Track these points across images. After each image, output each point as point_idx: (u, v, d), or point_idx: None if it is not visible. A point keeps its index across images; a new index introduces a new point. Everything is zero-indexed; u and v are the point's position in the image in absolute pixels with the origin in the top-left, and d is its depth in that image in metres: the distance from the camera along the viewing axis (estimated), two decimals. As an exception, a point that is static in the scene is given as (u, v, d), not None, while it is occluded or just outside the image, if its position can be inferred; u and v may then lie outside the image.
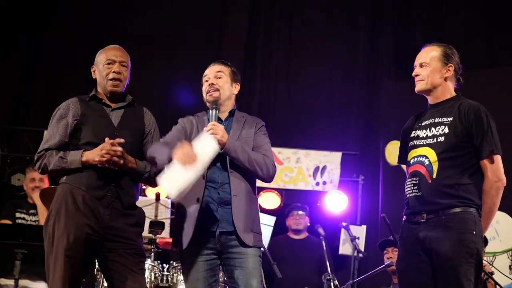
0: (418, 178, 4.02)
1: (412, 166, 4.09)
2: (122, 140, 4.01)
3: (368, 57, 9.10)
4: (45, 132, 4.26)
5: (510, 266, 6.64)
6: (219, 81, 4.40)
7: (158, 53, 8.73)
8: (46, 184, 7.03)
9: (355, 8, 9.22)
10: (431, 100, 4.15)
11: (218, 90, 4.37)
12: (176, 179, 3.90)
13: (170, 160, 3.96)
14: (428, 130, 4.07)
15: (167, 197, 6.64)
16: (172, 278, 5.68)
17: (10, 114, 8.65)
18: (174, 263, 5.72)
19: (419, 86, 4.12)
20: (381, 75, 8.95)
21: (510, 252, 6.67)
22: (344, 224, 7.33)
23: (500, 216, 6.64)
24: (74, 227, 3.94)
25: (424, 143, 4.05)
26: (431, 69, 4.08)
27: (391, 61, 9.02)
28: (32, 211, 6.92)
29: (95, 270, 5.73)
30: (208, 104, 4.36)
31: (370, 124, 8.80)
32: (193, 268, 4.12)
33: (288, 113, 8.56)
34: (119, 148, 3.99)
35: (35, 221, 6.87)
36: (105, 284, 5.46)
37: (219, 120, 4.31)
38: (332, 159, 8.46)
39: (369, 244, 7.34)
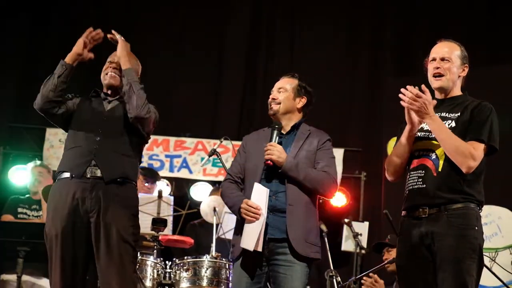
0: (423, 171, 3.98)
1: (417, 159, 4.05)
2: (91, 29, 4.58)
3: (371, 54, 9.09)
4: None
5: (512, 262, 6.64)
6: (279, 95, 4.50)
7: (158, 52, 8.74)
8: (49, 180, 7.06)
9: (357, 4, 9.21)
10: (440, 95, 4.12)
11: (279, 104, 4.47)
12: (250, 234, 4.16)
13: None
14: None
15: (169, 194, 6.64)
16: (175, 275, 5.68)
17: (12, 112, 8.66)
18: (177, 260, 5.72)
19: (440, 83, 4.07)
20: (384, 71, 8.95)
21: (512, 248, 6.66)
22: (346, 220, 7.33)
23: (502, 212, 6.64)
24: (59, 221, 4.11)
25: (430, 136, 4.02)
26: (453, 65, 4.08)
27: (394, 58, 9.01)
28: (34, 206, 6.94)
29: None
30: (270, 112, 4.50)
31: (372, 120, 8.79)
32: (239, 272, 4.26)
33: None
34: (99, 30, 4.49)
35: (37, 216, 6.89)
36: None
37: (281, 134, 4.41)
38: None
39: (372, 241, 7.33)
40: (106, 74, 4.54)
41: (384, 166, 4.25)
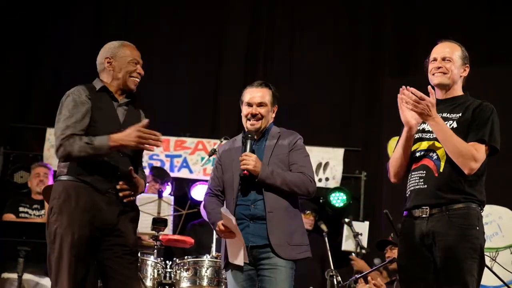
0: (425, 172, 3.99)
1: (418, 160, 4.05)
2: (147, 120, 4.03)
3: (370, 53, 9.09)
4: (62, 116, 4.06)
5: (513, 262, 6.63)
6: (261, 110, 4.46)
7: (158, 52, 8.74)
8: (50, 180, 7.06)
9: (357, 5, 9.21)
10: (441, 95, 4.12)
11: (260, 119, 4.45)
12: (235, 251, 4.27)
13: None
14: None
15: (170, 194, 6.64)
16: (175, 275, 5.69)
17: (13, 111, 8.66)
18: (177, 260, 5.73)
19: (440, 79, 4.08)
20: (383, 71, 8.95)
21: (513, 247, 6.66)
22: (346, 220, 7.33)
23: (503, 212, 6.64)
24: (78, 225, 3.91)
25: (431, 137, 4.03)
26: (454, 65, 4.09)
27: (393, 57, 9.01)
28: (35, 206, 6.96)
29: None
30: (247, 125, 4.46)
31: (373, 120, 8.79)
32: (233, 278, 4.35)
33: (290, 109, 8.56)
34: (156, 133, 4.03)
35: (38, 215, 6.90)
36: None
37: (253, 140, 4.42)
38: (334, 156, 8.46)
39: (372, 240, 7.34)
40: (131, 77, 4.22)
41: (386, 167, 4.25)
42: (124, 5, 9.14)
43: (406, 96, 3.92)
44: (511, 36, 8.39)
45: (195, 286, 5.64)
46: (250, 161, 4.26)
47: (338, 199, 8.24)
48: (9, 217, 6.82)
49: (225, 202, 4.47)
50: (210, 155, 5.92)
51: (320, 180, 8.34)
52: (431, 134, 4.03)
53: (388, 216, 5.92)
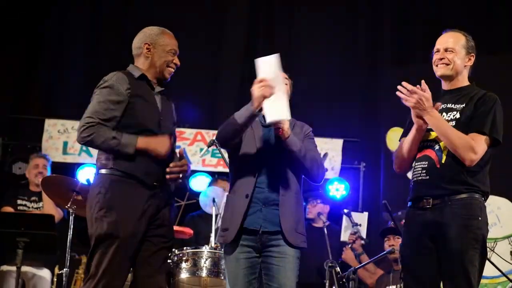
0: (427, 163, 4.00)
1: (421, 150, 4.06)
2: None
3: (368, 44, 9.08)
4: (95, 101, 3.97)
5: (511, 252, 6.64)
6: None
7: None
8: (49, 171, 7.05)
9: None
10: (447, 85, 4.13)
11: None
12: (277, 107, 4.02)
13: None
14: (444, 114, 4.04)
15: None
16: (174, 266, 5.68)
17: (11, 102, 8.65)
18: (176, 251, 5.73)
19: (443, 71, 4.08)
20: (382, 61, 8.94)
21: (511, 237, 6.66)
22: (345, 211, 7.33)
23: (501, 202, 6.64)
24: (129, 222, 3.87)
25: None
26: (457, 55, 4.08)
27: (392, 48, 9.00)
28: (33, 198, 6.94)
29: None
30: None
31: (371, 111, 8.79)
32: (234, 264, 4.24)
33: (289, 100, 8.56)
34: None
35: (37, 207, 6.89)
36: (182, 276, 5.52)
37: (267, 125, 4.33)
38: (333, 146, 8.46)
39: (371, 231, 7.34)
40: (168, 66, 4.20)
41: (392, 158, 4.26)
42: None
43: (400, 91, 3.94)
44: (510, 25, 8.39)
45: (194, 277, 5.64)
46: (286, 122, 4.16)
47: (337, 190, 8.24)
48: (7, 209, 6.80)
49: (234, 176, 4.36)
50: (209, 146, 5.90)
51: (319, 170, 8.34)
52: None
53: (387, 207, 5.93)
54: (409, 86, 3.90)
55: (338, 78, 9.01)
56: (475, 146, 3.88)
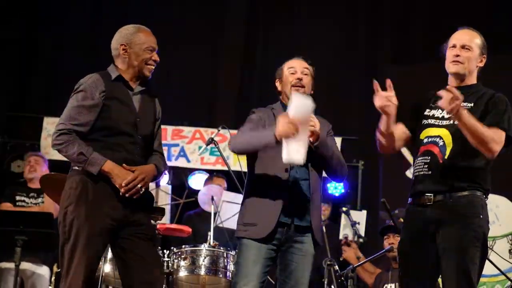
0: (429, 158, 3.96)
1: (424, 146, 4.03)
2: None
3: (368, 42, 9.08)
4: (69, 105, 4.04)
5: (510, 250, 6.64)
6: (305, 78, 4.38)
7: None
8: (44, 168, 7.06)
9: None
10: (455, 82, 4.05)
11: (303, 87, 4.34)
12: (295, 149, 3.94)
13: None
14: (440, 110, 4.01)
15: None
16: (172, 264, 5.68)
17: (10, 100, 8.64)
18: (175, 249, 5.73)
19: (458, 68, 4.02)
20: (381, 59, 8.94)
21: (510, 236, 6.67)
22: (344, 209, 7.34)
23: (500, 201, 6.64)
24: (96, 217, 3.85)
25: (440, 123, 4.00)
26: (473, 54, 4.03)
27: (391, 45, 9.00)
28: (32, 194, 6.96)
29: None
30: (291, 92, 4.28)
31: (370, 109, 8.75)
32: (256, 252, 4.13)
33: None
34: (140, 185, 3.93)
35: (36, 203, 6.90)
36: (106, 270, 5.49)
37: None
38: (331, 144, 8.45)
39: (370, 229, 7.35)
40: (147, 64, 4.14)
41: (390, 156, 4.26)
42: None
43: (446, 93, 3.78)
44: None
45: (192, 275, 5.64)
46: (316, 122, 4.10)
47: (335, 188, 8.24)
48: (6, 206, 6.82)
49: (261, 168, 4.24)
50: (207, 144, 5.90)
51: (317, 169, 8.35)
52: (440, 121, 4.01)
53: (386, 205, 5.93)
54: (455, 92, 3.74)
55: (337, 75, 9.00)
56: (496, 138, 3.84)
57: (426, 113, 4.11)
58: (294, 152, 3.96)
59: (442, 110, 3.98)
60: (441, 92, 3.82)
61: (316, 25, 9.02)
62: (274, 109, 4.37)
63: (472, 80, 4.09)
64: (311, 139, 4.07)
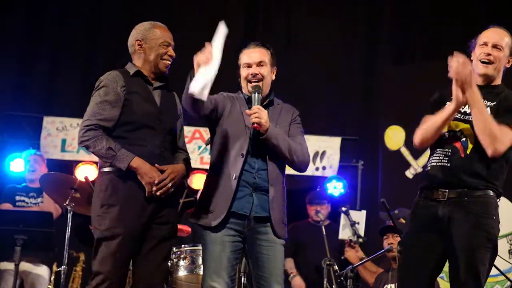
0: (451, 151, 3.89)
1: (447, 139, 3.94)
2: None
3: (368, 42, 9.07)
4: (92, 102, 4.02)
5: (509, 251, 6.65)
6: (261, 70, 4.34)
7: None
8: (42, 167, 7.06)
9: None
10: (481, 81, 3.97)
11: (261, 79, 4.31)
12: (199, 79, 3.94)
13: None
14: (468, 106, 3.89)
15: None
16: (172, 264, 5.68)
17: (9, 100, 8.63)
18: (174, 249, 5.72)
19: (487, 70, 3.94)
20: (381, 59, 8.93)
21: (509, 236, 6.67)
22: (344, 209, 7.33)
23: (500, 201, 6.64)
24: (129, 218, 3.90)
25: (463, 118, 3.92)
26: (503, 54, 3.96)
27: (391, 46, 9.00)
28: (32, 193, 6.97)
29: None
30: (248, 88, 4.30)
31: (370, 109, 8.78)
32: (219, 247, 4.07)
33: (287, 98, 8.54)
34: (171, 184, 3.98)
35: (35, 203, 6.90)
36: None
37: (259, 94, 4.24)
38: (331, 144, 8.46)
39: (369, 229, 7.35)
40: (162, 59, 4.20)
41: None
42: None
43: (453, 60, 3.73)
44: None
45: (192, 274, 5.63)
46: (263, 114, 4.07)
47: (335, 188, 8.23)
48: (6, 206, 6.82)
49: (218, 154, 4.20)
50: (207, 144, 5.89)
51: (317, 169, 8.35)
52: (466, 116, 3.92)
53: (385, 205, 5.92)
54: (461, 59, 3.72)
55: (336, 76, 9.00)
56: (503, 137, 3.77)
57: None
58: (195, 81, 3.93)
59: (466, 106, 3.90)
60: (450, 60, 3.73)
61: (316, 25, 9.01)
62: (236, 99, 4.37)
63: (498, 80, 4.02)
64: (259, 130, 4.05)
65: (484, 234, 3.79)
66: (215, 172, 4.19)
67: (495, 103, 3.91)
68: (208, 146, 6.40)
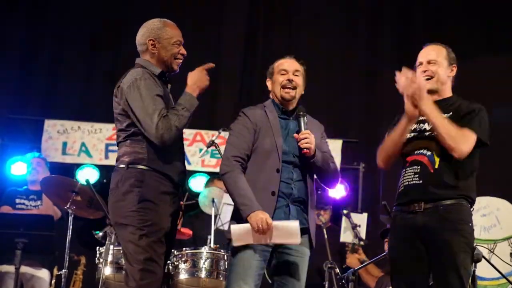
0: (419, 167, 4.02)
1: (412, 156, 4.08)
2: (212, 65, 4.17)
3: (368, 44, 9.07)
4: (145, 98, 3.90)
5: (511, 253, 6.64)
6: (297, 79, 4.34)
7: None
8: (44, 170, 7.06)
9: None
10: (433, 98, 4.11)
11: (295, 89, 4.32)
12: (244, 235, 3.98)
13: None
14: (427, 124, 4.07)
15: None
16: (173, 267, 5.68)
17: (11, 103, 8.63)
18: (175, 252, 5.72)
19: (430, 85, 4.08)
20: (382, 62, 8.93)
21: (511, 239, 6.66)
22: (345, 212, 7.33)
23: (500, 204, 6.64)
24: (167, 216, 3.91)
25: (423, 135, 4.07)
26: (440, 67, 4.13)
27: (392, 48, 8.99)
28: (32, 196, 6.97)
29: (96, 259, 5.73)
30: (281, 93, 4.29)
31: (371, 111, 8.78)
32: (249, 254, 4.05)
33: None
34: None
35: (35, 206, 6.89)
36: (106, 273, 5.49)
37: (286, 116, 4.28)
38: (332, 147, 8.38)
39: (370, 232, 7.34)
40: (176, 58, 4.19)
41: (378, 152, 4.28)
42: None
43: (401, 76, 3.98)
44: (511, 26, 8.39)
45: (193, 277, 5.64)
46: (312, 139, 4.11)
47: (336, 191, 8.22)
48: (6, 209, 6.81)
49: (250, 170, 4.17)
50: (208, 146, 5.91)
51: (318, 171, 8.33)
52: (423, 133, 4.07)
53: (387, 208, 5.92)
54: (409, 74, 3.94)
55: (337, 78, 8.99)
56: (465, 139, 3.90)
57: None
58: (241, 234, 3.99)
59: (424, 123, 4.08)
60: (397, 76, 3.98)
61: (316, 28, 9.01)
62: (266, 108, 4.35)
63: (447, 92, 4.17)
64: (307, 151, 4.10)
65: (463, 239, 3.90)
66: (252, 187, 4.11)
67: (451, 113, 4.04)
68: (209, 149, 6.43)
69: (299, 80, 4.35)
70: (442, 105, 4.07)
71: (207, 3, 9.12)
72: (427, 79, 4.10)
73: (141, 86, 3.92)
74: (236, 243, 4.03)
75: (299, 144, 4.12)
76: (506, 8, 8.49)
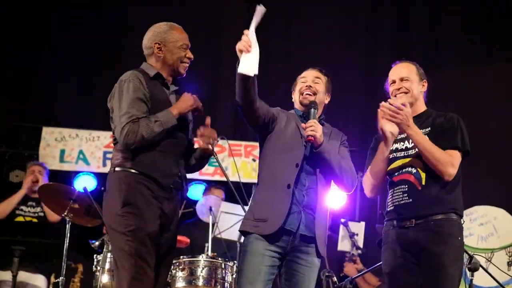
0: (407, 186, 4.12)
1: (397, 176, 4.18)
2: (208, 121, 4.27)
3: (367, 50, 9.09)
4: (123, 101, 3.91)
5: (508, 263, 6.64)
6: (316, 86, 4.43)
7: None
8: (45, 178, 7.05)
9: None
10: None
11: (315, 94, 4.39)
12: (248, 61, 4.06)
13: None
14: (407, 142, 4.20)
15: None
16: (170, 275, 5.66)
17: (9, 110, 8.64)
18: (173, 260, 5.71)
19: (405, 99, 4.20)
20: (381, 69, 8.93)
21: (508, 248, 6.66)
22: (343, 220, 7.32)
23: (498, 213, 6.64)
24: (150, 220, 3.87)
25: (406, 154, 4.19)
26: (413, 83, 4.27)
27: (391, 55, 9.01)
28: (30, 203, 6.95)
29: (93, 266, 5.72)
30: (301, 100, 4.40)
31: (369, 120, 8.78)
32: (258, 259, 4.04)
33: (287, 108, 8.56)
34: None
35: (34, 212, 6.88)
36: (104, 280, 5.49)
37: (316, 109, 4.33)
38: (331, 156, 8.44)
39: (368, 241, 7.34)
40: (182, 62, 4.17)
41: (363, 182, 4.34)
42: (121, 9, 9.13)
43: (386, 109, 4.12)
44: (509, 31, 8.40)
45: (190, 286, 5.62)
46: (318, 128, 4.14)
47: (334, 200, 8.22)
48: (1, 207, 6.79)
49: (271, 165, 4.19)
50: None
51: (316, 180, 8.33)
52: (405, 152, 4.20)
53: (384, 217, 5.92)
54: (397, 104, 4.07)
55: (337, 86, 8.96)
56: (453, 161, 4.04)
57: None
58: (247, 63, 4.06)
59: (404, 141, 4.21)
60: (380, 109, 4.16)
61: (316, 29, 9.03)
62: (290, 114, 4.43)
63: (421, 107, 4.31)
64: (313, 143, 4.12)
65: (453, 253, 3.99)
66: (267, 183, 4.17)
67: (429, 128, 4.17)
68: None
69: (318, 87, 4.44)
70: (419, 120, 4.19)
71: (206, 12, 9.13)
72: (402, 95, 4.22)
73: (123, 87, 3.93)
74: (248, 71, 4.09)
75: (305, 131, 4.15)
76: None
